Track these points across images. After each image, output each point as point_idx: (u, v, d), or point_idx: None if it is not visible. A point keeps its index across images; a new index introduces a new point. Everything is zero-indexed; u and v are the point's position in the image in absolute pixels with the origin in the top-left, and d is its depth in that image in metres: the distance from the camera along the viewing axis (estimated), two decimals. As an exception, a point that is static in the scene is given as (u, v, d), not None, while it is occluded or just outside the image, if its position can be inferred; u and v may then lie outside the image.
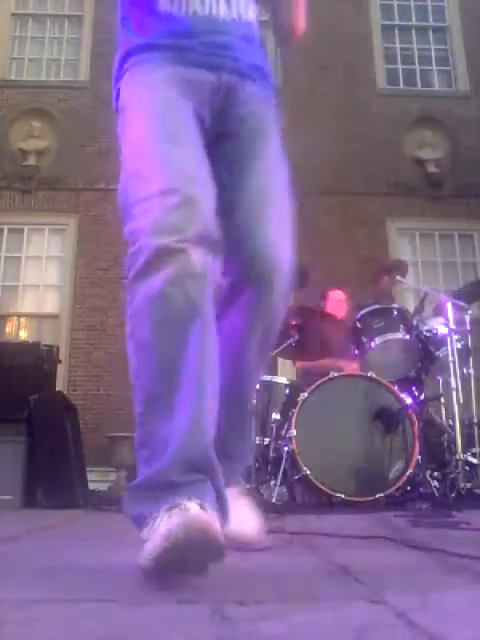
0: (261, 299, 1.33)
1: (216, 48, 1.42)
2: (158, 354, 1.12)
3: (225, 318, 1.34)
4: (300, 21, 1.66)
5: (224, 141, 1.41)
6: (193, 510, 0.94)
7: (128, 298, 1.17)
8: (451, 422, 3.47)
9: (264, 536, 1.32)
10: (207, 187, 1.23)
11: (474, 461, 3.42)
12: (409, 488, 3.22)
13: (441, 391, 3.79)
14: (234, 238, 1.30)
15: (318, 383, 3.33)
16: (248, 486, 3.18)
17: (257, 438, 3.43)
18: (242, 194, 1.37)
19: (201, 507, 0.96)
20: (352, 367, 3.78)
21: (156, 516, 0.98)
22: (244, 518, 1.30)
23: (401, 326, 3.57)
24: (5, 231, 7.89)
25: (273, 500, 3.12)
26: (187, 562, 0.92)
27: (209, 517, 0.94)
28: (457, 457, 3.22)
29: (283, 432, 3.46)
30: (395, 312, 3.64)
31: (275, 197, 1.41)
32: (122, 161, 1.30)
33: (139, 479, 1.08)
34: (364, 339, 3.59)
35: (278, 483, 3.21)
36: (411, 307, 4.61)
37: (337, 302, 4.37)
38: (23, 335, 7.60)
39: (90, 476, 4.38)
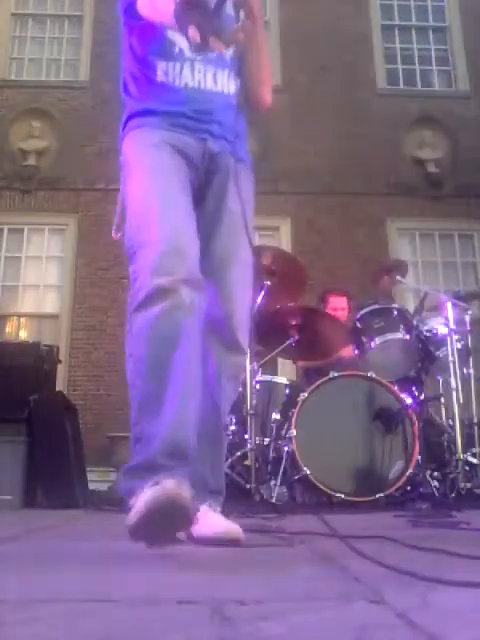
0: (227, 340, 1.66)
1: (203, 114, 1.72)
2: (151, 367, 1.41)
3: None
4: (267, 95, 1.90)
5: (207, 195, 1.73)
6: (168, 484, 1.21)
7: (128, 326, 1.47)
8: (451, 422, 3.47)
9: (242, 535, 1.50)
10: (193, 240, 1.56)
11: (474, 461, 3.42)
12: (409, 488, 3.22)
13: (441, 391, 3.79)
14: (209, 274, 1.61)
15: (318, 383, 3.33)
16: (248, 486, 3.19)
17: (257, 438, 3.43)
18: (215, 243, 1.69)
19: (177, 484, 1.22)
20: (348, 350, 3.79)
21: (141, 490, 1.25)
22: (225, 524, 1.55)
23: (401, 326, 3.57)
24: (5, 231, 7.90)
25: (273, 500, 3.11)
26: (161, 522, 1.21)
27: (181, 490, 1.21)
28: (457, 457, 3.22)
29: (283, 432, 3.46)
30: (395, 312, 3.64)
31: (238, 255, 1.71)
32: (127, 212, 1.62)
33: (131, 463, 1.38)
34: (364, 339, 3.59)
35: (278, 483, 3.21)
36: (411, 307, 4.61)
37: (337, 310, 4.31)
38: (23, 335, 7.61)
39: (90, 476, 4.38)
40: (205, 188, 1.72)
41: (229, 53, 1.77)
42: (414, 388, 3.59)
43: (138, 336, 1.44)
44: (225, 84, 1.77)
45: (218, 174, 1.73)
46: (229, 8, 1.66)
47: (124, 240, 1.60)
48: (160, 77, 1.74)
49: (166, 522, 1.22)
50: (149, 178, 1.61)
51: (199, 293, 1.49)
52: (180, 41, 1.71)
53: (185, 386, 1.40)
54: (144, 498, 1.21)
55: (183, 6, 1.38)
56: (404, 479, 3.12)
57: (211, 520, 1.53)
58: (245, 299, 1.71)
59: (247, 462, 3.46)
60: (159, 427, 1.36)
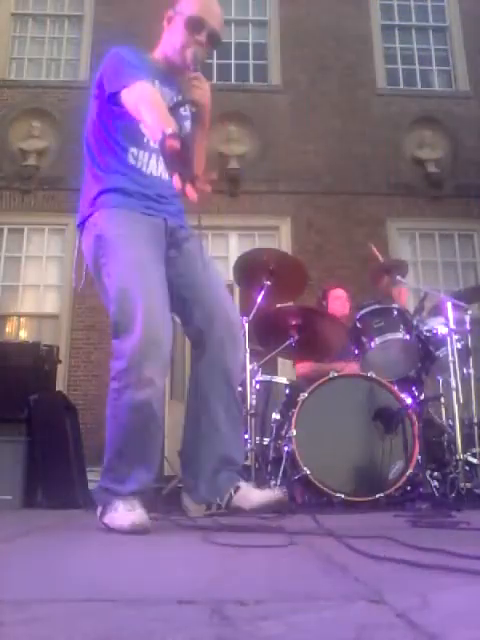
0: (226, 350, 2.11)
1: (162, 198, 2.10)
2: (130, 435, 1.91)
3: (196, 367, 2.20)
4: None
5: (178, 262, 2.12)
6: (137, 510, 1.83)
7: (114, 394, 1.91)
8: (451, 422, 3.47)
9: (284, 497, 2.04)
10: (168, 326, 1.93)
11: (474, 461, 3.42)
12: (409, 488, 3.22)
13: (441, 391, 3.78)
14: (205, 311, 2.10)
15: (318, 383, 3.33)
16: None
17: (257, 438, 3.43)
18: (201, 283, 2.11)
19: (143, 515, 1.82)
20: (351, 367, 3.78)
21: (115, 504, 1.86)
22: (266, 493, 2.04)
23: (401, 326, 3.57)
24: (5, 231, 7.90)
25: (273, 500, 3.11)
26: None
27: (145, 520, 1.80)
28: (457, 457, 3.22)
29: (283, 432, 3.45)
30: (395, 312, 3.64)
31: (219, 281, 2.19)
32: (111, 288, 2.00)
33: (106, 485, 1.94)
34: (364, 339, 3.58)
35: (278, 483, 3.21)
36: (411, 307, 4.61)
37: (338, 299, 4.38)
38: (23, 335, 7.60)
39: (90, 476, 4.37)
40: (175, 258, 2.11)
41: None
42: (414, 388, 3.59)
43: (122, 408, 1.89)
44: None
45: (184, 243, 2.14)
46: (185, 109, 2.09)
47: (109, 311, 2.00)
48: (131, 160, 2.06)
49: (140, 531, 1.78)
50: (134, 268, 1.94)
51: (166, 374, 2.04)
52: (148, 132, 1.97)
53: (150, 456, 1.96)
54: (126, 521, 1.78)
55: (172, 156, 1.66)
56: (404, 479, 3.11)
57: (253, 494, 1.99)
58: (229, 305, 2.19)
59: (247, 462, 3.46)
60: (137, 476, 1.90)
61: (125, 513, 1.81)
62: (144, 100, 1.85)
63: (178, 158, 1.65)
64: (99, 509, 1.93)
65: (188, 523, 2.02)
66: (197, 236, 2.20)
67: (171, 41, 2.12)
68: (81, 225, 2.09)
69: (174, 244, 2.12)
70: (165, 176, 2.04)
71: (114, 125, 2.06)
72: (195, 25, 2.07)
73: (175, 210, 2.16)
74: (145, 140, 2.06)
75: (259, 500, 1.95)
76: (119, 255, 1.97)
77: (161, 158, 1.86)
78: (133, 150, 2.07)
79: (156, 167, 2.09)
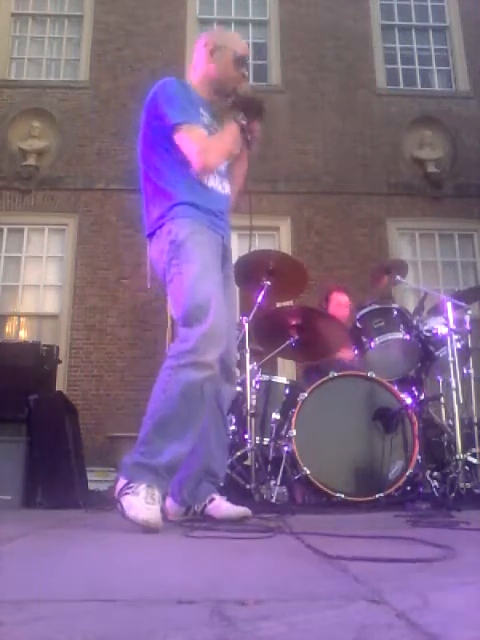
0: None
1: (221, 214, 2.32)
2: (176, 410, 2.02)
3: None
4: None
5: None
6: (154, 506, 1.89)
7: (169, 371, 2.06)
8: (451, 422, 3.47)
9: (249, 513, 2.18)
10: (226, 323, 2.15)
11: (474, 461, 3.42)
12: (409, 488, 3.22)
13: (441, 391, 3.78)
14: None
15: (318, 383, 3.33)
16: (248, 486, 3.19)
17: (257, 438, 3.43)
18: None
19: (163, 497, 2.01)
20: (350, 354, 3.80)
21: (136, 489, 1.92)
22: (235, 508, 2.22)
23: (401, 326, 3.57)
24: (5, 231, 7.89)
25: (273, 500, 3.11)
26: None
27: (159, 520, 1.88)
28: (457, 457, 3.22)
29: (283, 432, 3.45)
30: (395, 312, 3.64)
31: (231, 303, 2.38)
32: (183, 285, 2.13)
33: (137, 459, 1.99)
34: (364, 339, 3.58)
35: (278, 483, 3.21)
36: (411, 307, 4.61)
37: (340, 306, 4.36)
38: (23, 335, 7.60)
39: (90, 476, 4.38)
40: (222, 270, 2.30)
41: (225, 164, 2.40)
42: (414, 388, 3.59)
43: (176, 384, 2.03)
44: (226, 187, 2.38)
45: (226, 262, 2.35)
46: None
47: (181, 305, 2.13)
48: (194, 174, 2.24)
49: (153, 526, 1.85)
50: (207, 271, 2.15)
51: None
52: None
53: (198, 432, 2.08)
54: (143, 514, 1.84)
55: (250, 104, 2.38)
56: (404, 479, 3.11)
57: (223, 506, 2.21)
58: (234, 336, 2.42)
59: (247, 462, 3.46)
60: (172, 449, 1.99)
61: (143, 505, 1.85)
62: (205, 147, 2.21)
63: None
64: (121, 483, 1.96)
65: (188, 523, 2.02)
66: (230, 259, 2.42)
67: (217, 71, 2.40)
68: (151, 234, 2.28)
69: (223, 262, 2.32)
70: (222, 190, 2.34)
71: (174, 143, 2.24)
72: (243, 62, 2.43)
73: (227, 226, 2.36)
74: None
75: (227, 513, 2.18)
76: (193, 257, 2.14)
77: (217, 174, 2.31)
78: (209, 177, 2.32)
79: (215, 180, 2.32)
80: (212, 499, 2.23)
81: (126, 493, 1.90)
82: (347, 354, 3.91)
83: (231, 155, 2.33)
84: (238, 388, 3.67)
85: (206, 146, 2.20)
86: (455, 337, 3.49)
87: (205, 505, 2.22)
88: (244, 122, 2.31)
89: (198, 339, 2.04)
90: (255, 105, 2.36)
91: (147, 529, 1.79)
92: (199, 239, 2.18)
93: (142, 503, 1.85)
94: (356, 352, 3.68)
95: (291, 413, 3.34)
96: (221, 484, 2.41)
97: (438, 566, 1.15)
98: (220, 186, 2.34)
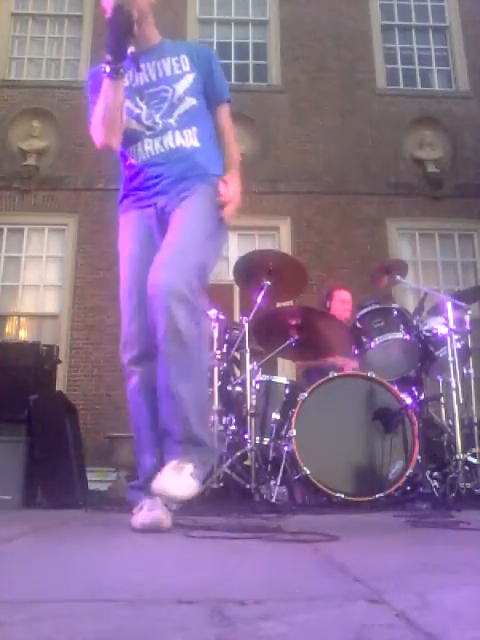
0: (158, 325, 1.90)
1: (152, 180, 2.11)
2: (132, 423, 2.07)
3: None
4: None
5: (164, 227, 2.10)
6: (155, 511, 1.80)
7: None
8: (451, 422, 3.47)
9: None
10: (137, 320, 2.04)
11: (474, 461, 3.42)
12: (409, 488, 3.22)
13: (441, 391, 3.78)
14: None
15: (318, 383, 3.33)
16: (248, 486, 3.19)
17: (257, 438, 3.43)
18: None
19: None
20: (352, 365, 3.79)
21: (141, 502, 1.88)
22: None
23: (401, 326, 3.57)
24: (5, 231, 7.89)
25: (273, 500, 3.11)
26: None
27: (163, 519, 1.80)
28: (457, 457, 3.22)
29: (283, 432, 3.45)
30: (395, 312, 3.64)
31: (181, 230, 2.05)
32: None
33: (131, 482, 2.09)
34: (364, 339, 3.58)
35: (278, 483, 3.21)
36: (411, 307, 4.61)
37: (343, 303, 4.38)
38: (23, 335, 7.60)
39: (90, 476, 4.38)
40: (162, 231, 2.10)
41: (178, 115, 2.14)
42: (414, 388, 3.59)
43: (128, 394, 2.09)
44: (174, 141, 2.12)
45: (171, 214, 2.09)
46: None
47: None
48: (129, 162, 2.17)
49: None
50: (122, 267, 2.12)
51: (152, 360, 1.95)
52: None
53: (144, 437, 2.02)
54: (139, 519, 1.81)
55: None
56: (404, 479, 3.11)
57: (142, 513, 1.84)
58: (191, 260, 1.96)
59: (247, 462, 3.46)
60: (141, 465, 2.00)
61: (144, 513, 1.82)
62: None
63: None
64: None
65: (189, 523, 2.02)
66: (198, 191, 2.10)
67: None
68: None
69: (165, 221, 2.11)
70: (162, 147, 2.11)
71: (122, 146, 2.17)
72: None
73: (171, 182, 2.10)
74: (134, 130, 2.13)
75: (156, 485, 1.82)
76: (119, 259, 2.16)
77: (149, 139, 2.10)
78: (130, 150, 2.16)
79: (147, 148, 2.13)
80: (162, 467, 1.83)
81: (132, 513, 1.91)
82: (349, 365, 3.86)
83: (113, 108, 2.01)
84: (238, 388, 3.68)
85: (92, 120, 2.08)
86: (455, 337, 3.49)
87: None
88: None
89: (121, 335, 2.09)
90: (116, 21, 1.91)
91: (144, 530, 1.79)
92: (121, 239, 2.17)
93: (143, 513, 1.85)
94: (356, 351, 3.68)
95: (291, 413, 3.34)
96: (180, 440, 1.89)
97: (438, 566, 1.15)
98: (157, 145, 2.12)
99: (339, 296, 4.43)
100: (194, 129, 2.13)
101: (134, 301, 2.05)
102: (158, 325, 1.87)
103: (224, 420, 3.65)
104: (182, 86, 2.14)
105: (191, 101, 2.14)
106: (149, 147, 2.11)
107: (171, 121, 2.12)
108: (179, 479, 1.73)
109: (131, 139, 2.14)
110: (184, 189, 2.08)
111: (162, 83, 2.13)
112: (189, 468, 1.76)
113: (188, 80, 2.14)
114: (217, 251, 2.14)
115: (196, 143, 2.13)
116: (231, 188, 2.14)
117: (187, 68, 2.15)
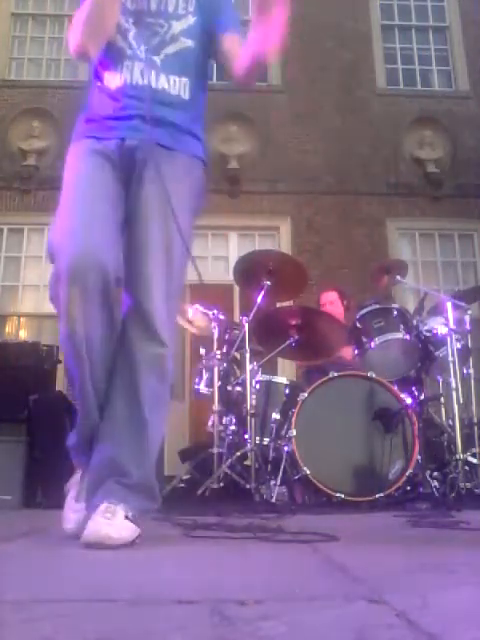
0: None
1: (124, 111, 1.75)
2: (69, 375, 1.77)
3: None
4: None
5: (130, 190, 1.75)
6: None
7: None
8: (451, 422, 3.47)
9: (112, 540, 1.45)
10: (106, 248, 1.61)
11: (474, 461, 3.42)
12: (409, 488, 3.22)
13: (441, 391, 3.79)
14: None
15: (318, 383, 3.33)
16: (248, 486, 3.19)
17: (257, 438, 3.43)
18: (132, 234, 1.74)
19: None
20: (349, 352, 3.80)
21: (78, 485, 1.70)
22: (95, 529, 1.46)
23: (401, 326, 3.57)
24: (5, 231, 7.89)
25: (273, 500, 3.11)
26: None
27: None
28: (457, 457, 3.22)
29: (283, 432, 3.45)
30: (395, 312, 3.64)
31: (153, 244, 1.71)
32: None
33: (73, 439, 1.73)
34: (364, 339, 3.59)
35: (278, 483, 3.21)
36: (411, 307, 4.61)
37: (330, 304, 4.37)
38: (23, 335, 7.60)
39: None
40: (127, 183, 1.75)
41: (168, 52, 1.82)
42: (414, 388, 3.59)
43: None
44: (156, 80, 1.79)
45: (136, 168, 1.74)
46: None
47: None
48: (101, 81, 1.82)
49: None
50: (68, 192, 1.80)
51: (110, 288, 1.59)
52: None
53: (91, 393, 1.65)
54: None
55: None
56: (404, 479, 3.11)
57: (88, 525, 1.47)
58: (161, 288, 1.68)
59: (247, 462, 3.46)
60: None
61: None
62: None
63: None
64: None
65: (189, 523, 2.02)
66: (183, 166, 1.80)
67: None
68: None
69: (131, 169, 1.75)
70: (135, 78, 1.77)
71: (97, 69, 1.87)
72: None
73: (147, 124, 1.73)
74: (118, 47, 1.81)
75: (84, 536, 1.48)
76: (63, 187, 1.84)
77: (129, 62, 1.78)
78: (107, 67, 1.82)
79: (126, 74, 1.79)
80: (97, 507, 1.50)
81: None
82: (347, 353, 3.91)
83: (101, 8, 1.71)
84: (238, 388, 3.68)
85: (74, 20, 1.75)
86: (455, 337, 3.49)
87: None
88: None
89: (50, 284, 1.64)
90: None
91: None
92: (68, 163, 1.83)
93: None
94: (356, 352, 3.68)
95: (291, 413, 3.34)
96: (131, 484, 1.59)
97: (438, 566, 1.15)
98: (137, 73, 1.78)
99: (325, 298, 4.44)
100: (184, 80, 1.83)
101: (81, 218, 1.67)
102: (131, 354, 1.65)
103: (224, 420, 3.65)
104: (180, 26, 1.86)
105: (186, 42, 1.85)
106: (128, 73, 1.78)
107: (157, 59, 1.81)
108: (114, 522, 1.45)
109: (111, 55, 1.80)
110: (167, 155, 1.76)
111: (160, 17, 1.84)
112: (125, 511, 1.49)
113: (188, 21, 1.87)
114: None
115: (185, 94, 1.82)
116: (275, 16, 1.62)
117: (191, 9, 1.89)
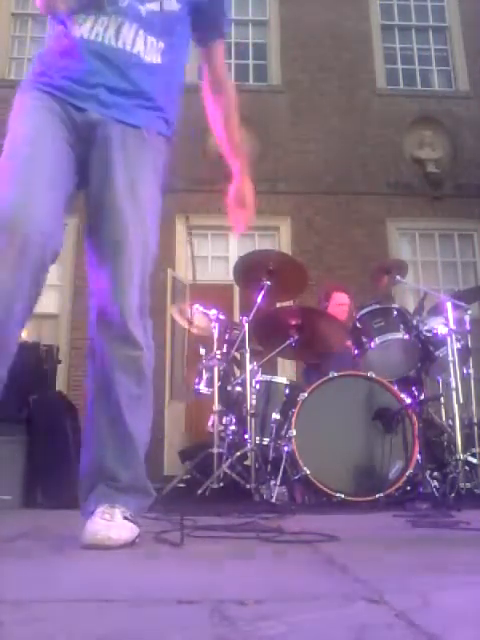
0: None
1: (87, 76, 1.62)
2: None
3: None
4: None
5: (90, 174, 1.63)
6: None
7: None
8: (451, 422, 3.47)
9: (113, 542, 1.45)
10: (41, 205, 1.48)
11: (474, 461, 3.42)
12: (409, 488, 3.22)
13: (441, 391, 3.79)
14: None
15: (318, 383, 3.33)
16: (248, 486, 3.19)
17: (257, 438, 3.43)
18: (101, 229, 1.63)
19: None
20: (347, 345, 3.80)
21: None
22: (93, 530, 1.46)
23: (401, 326, 3.57)
24: (5, 231, 7.89)
25: (273, 500, 3.11)
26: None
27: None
28: (457, 457, 3.22)
29: (283, 432, 3.45)
30: (395, 312, 3.64)
31: (124, 240, 1.60)
32: None
33: None
34: (364, 339, 3.59)
35: (278, 483, 3.21)
36: (411, 307, 4.61)
37: (340, 306, 4.37)
38: (23, 335, 7.58)
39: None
40: (83, 157, 1.62)
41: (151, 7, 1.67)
42: (414, 388, 3.59)
43: None
44: (132, 42, 1.64)
45: (98, 147, 1.62)
46: None
47: None
48: (68, 32, 1.67)
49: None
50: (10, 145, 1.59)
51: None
52: None
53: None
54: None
55: None
56: (404, 479, 3.11)
57: (86, 527, 1.47)
58: (132, 289, 1.60)
59: (247, 462, 3.46)
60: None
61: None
62: None
63: None
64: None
65: (189, 523, 2.02)
66: (151, 147, 1.68)
67: None
68: None
69: (91, 147, 1.63)
70: (108, 36, 1.62)
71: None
72: None
73: (112, 97, 1.61)
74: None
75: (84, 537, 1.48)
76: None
77: (105, 18, 1.61)
78: (76, 17, 1.65)
79: (97, 28, 1.64)
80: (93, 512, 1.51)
81: None
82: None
83: None
84: (238, 388, 3.68)
85: None
86: (455, 337, 3.49)
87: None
88: None
89: None
90: None
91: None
92: (17, 114, 1.71)
93: None
94: (356, 351, 3.68)
95: (291, 413, 3.34)
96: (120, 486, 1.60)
97: (438, 566, 1.15)
98: (112, 31, 1.63)
99: (337, 298, 4.43)
100: (161, 44, 1.68)
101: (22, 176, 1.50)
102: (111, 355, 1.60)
103: (224, 420, 3.65)
104: None
105: (172, 4, 1.70)
106: (100, 27, 1.62)
107: (141, 8, 1.64)
108: (113, 523, 1.46)
109: (83, 4, 1.63)
110: (133, 136, 1.64)
111: None
112: (122, 512, 1.50)
113: None
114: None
115: (158, 59, 1.68)
116: (246, 192, 1.76)
117: None
